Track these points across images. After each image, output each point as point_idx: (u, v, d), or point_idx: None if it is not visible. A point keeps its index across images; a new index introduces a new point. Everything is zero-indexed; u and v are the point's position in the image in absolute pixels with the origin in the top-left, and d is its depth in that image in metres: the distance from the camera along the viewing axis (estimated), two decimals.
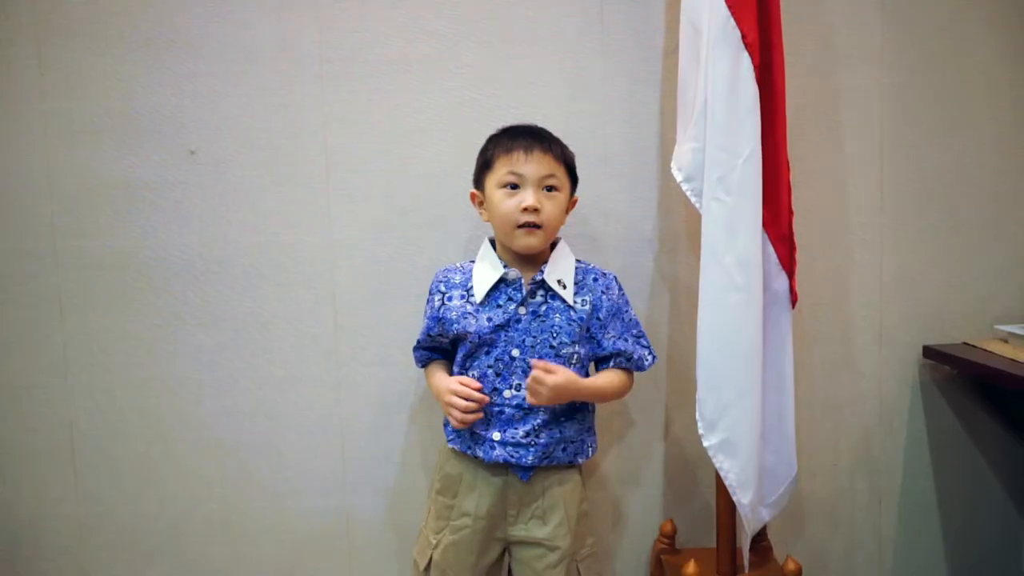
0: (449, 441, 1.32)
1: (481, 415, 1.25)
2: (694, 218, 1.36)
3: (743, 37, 1.23)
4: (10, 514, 1.54)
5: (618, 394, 1.33)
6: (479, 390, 1.24)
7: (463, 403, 1.23)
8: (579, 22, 1.49)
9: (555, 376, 1.19)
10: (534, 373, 1.19)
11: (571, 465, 1.31)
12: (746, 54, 1.23)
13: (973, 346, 1.53)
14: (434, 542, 1.30)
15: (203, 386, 1.52)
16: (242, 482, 1.55)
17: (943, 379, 1.61)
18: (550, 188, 1.26)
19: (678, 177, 1.34)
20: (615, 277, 1.35)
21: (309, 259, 1.51)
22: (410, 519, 1.52)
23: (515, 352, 1.25)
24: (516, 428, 1.25)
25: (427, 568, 1.31)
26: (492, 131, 1.34)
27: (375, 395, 1.54)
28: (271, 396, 1.53)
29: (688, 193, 1.33)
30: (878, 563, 1.64)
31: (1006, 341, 1.52)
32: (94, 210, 1.49)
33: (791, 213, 1.34)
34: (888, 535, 1.64)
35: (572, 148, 1.33)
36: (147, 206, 1.49)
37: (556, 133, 1.33)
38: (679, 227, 1.53)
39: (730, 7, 1.23)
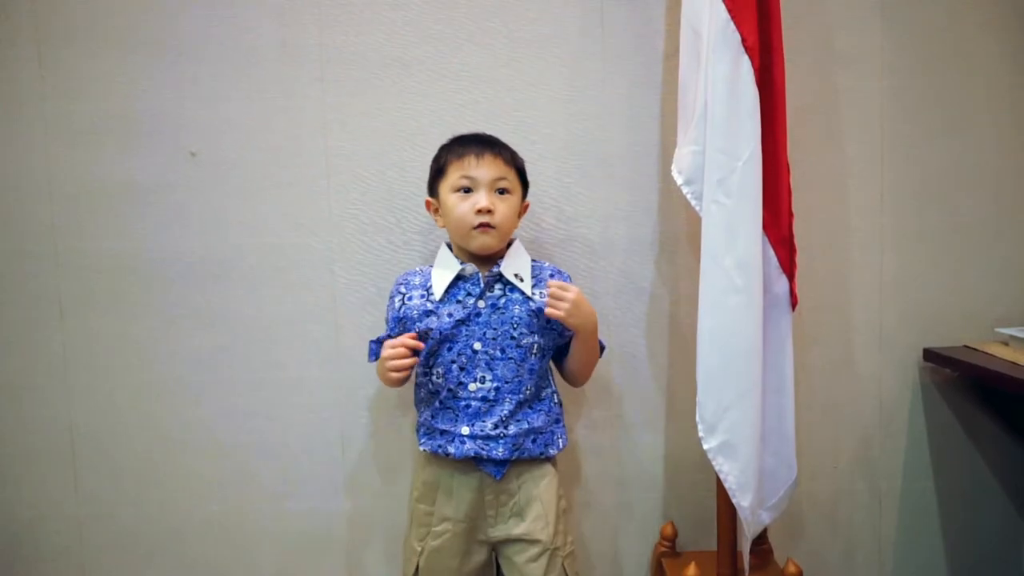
0: (420, 444, 1.33)
1: (416, 360, 1.25)
2: (694, 221, 1.36)
3: (743, 40, 1.23)
4: (10, 515, 1.54)
5: (596, 354, 1.36)
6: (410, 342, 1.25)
7: (391, 351, 1.25)
8: (579, 25, 1.49)
9: (575, 288, 1.25)
10: (554, 282, 1.24)
11: (544, 458, 1.32)
12: (746, 57, 1.24)
13: (974, 349, 1.53)
14: (419, 549, 1.31)
15: (203, 387, 1.53)
16: (242, 483, 1.55)
17: (943, 382, 1.61)
18: (502, 191, 1.29)
19: (678, 180, 1.34)
20: (569, 277, 1.38)
21: (310, 261, 1.51)
22: None
23: (477, 345, 1.27)
24: (484, 420, 1.27)
25: (415, 575, 1.32)
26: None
27: (375, 397, 1.54)
28: (271, 398, 1.53)
29: (688, 196, 1.33)
30: (878, 565, 1.64)
31: (1007, 344, 1.52)
32: (94, 212, 1.49)
33: (791, 215, 1.34)
34: (888, 537, 1.64)
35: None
36: (148, 208, 1.49)
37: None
38: (679, 230, 1.53)
39: (730, 10, 1.23)
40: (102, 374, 1.52)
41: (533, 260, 1.35)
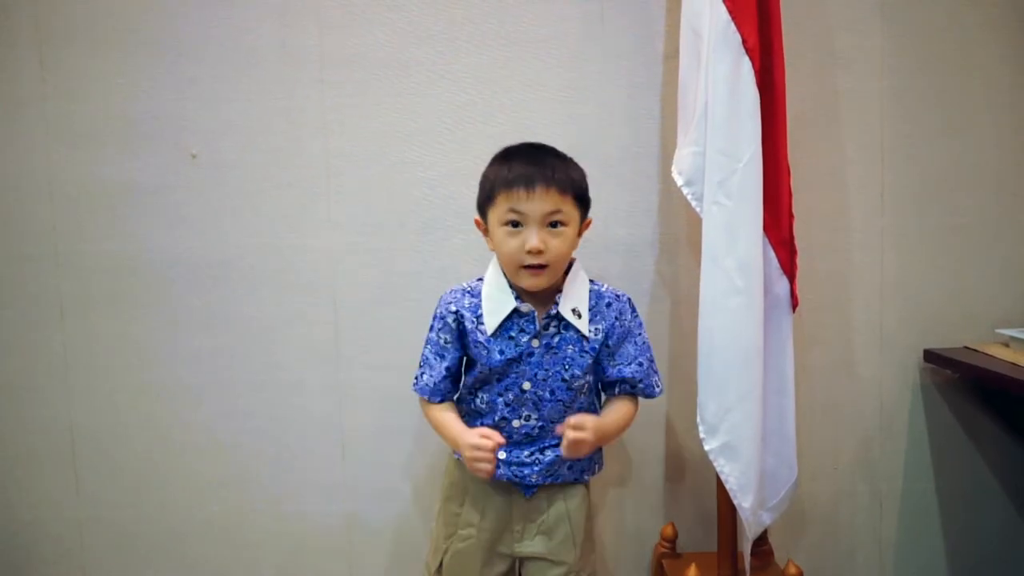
0: (454, 452, 1.31)
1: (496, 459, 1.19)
2: (695, 222, 1.36)
3: (744, 41, 1.23)
4: (10, 516, 1.54)
5: (629, 424, 1.30)
6: (496, 443, 1.17)
7: (478, 453, 1.16)
8: (579, 25, 1.49)
9: (589, 428, 1.17)
10: (571, 435, 1.15)
11: (577, 481, 1.30)
12: (746, 58, 1.24)
13: (974, 350, 1.53)
14: (444, 547, 1.30)
15: (204, 389, 1.53)
16: (242, 485, 1.55)
17: (944, 383, 1.61)
18: (556, 223, 1.18)
19: (679, 181, 1.34)
20: (629, 299, 1.29)
21: (310, 262, 1.51)
22: (410, 523, 1.53)
23: (526, 385, 1.22)
24: (522, 450, 1.25)
25: (439, 570, 1.31)
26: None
27: (375, 398, 1.54)
28: (272, 399, 1.53)
29: (689, 197, 1.33)
30: (879, 566, 1.64)
31: (1007, 345, 1.52)
32: (95, 213, 1.49)
33: (792, 217, 1.34)
34: (888, 538, 1.64)
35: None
36: (148, 209, 1.49)
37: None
38: (680, 231, 1.53)
39: (731, 11, 1.23)
40: (102, 375, 1.52)
41: (591, 282, 1.27)
